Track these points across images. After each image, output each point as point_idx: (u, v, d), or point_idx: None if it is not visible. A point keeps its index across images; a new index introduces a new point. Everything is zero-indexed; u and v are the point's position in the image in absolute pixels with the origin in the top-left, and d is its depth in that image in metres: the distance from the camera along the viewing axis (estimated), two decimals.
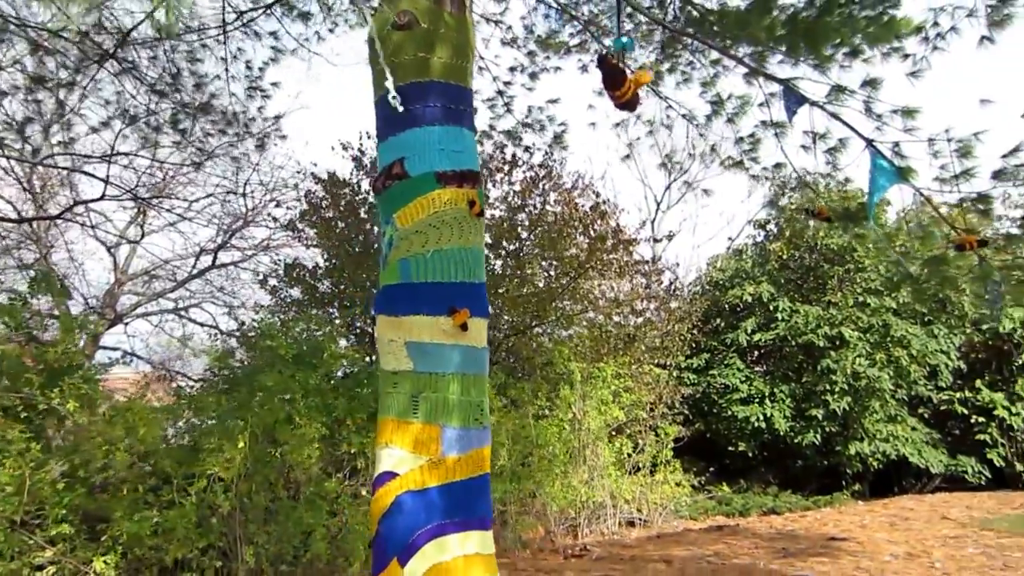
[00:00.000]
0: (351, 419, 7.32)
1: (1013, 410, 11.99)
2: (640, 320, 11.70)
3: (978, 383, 12.37)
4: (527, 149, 10.04)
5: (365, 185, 10.59)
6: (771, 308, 12.43)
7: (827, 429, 11.82)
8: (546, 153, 10.03)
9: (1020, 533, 6.82)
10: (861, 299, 12.07)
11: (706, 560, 6.03)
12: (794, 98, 4.22)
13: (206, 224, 14.40)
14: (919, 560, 5.84)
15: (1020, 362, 12.24)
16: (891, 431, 11.62)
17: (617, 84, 4.09)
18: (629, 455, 9.68)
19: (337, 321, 10.39)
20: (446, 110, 3.89)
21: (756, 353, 13.18)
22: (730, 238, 24.19)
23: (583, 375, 9.36)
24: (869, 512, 9.55)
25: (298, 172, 12.37)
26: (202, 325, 15.52)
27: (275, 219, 13.13)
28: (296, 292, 11.28)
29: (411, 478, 3.66)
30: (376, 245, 10.63)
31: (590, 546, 7.34)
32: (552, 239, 10.12)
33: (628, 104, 4.24)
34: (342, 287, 10.69)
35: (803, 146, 4.89)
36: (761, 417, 11.91)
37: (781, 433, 11.87)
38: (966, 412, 12.30)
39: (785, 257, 13.00)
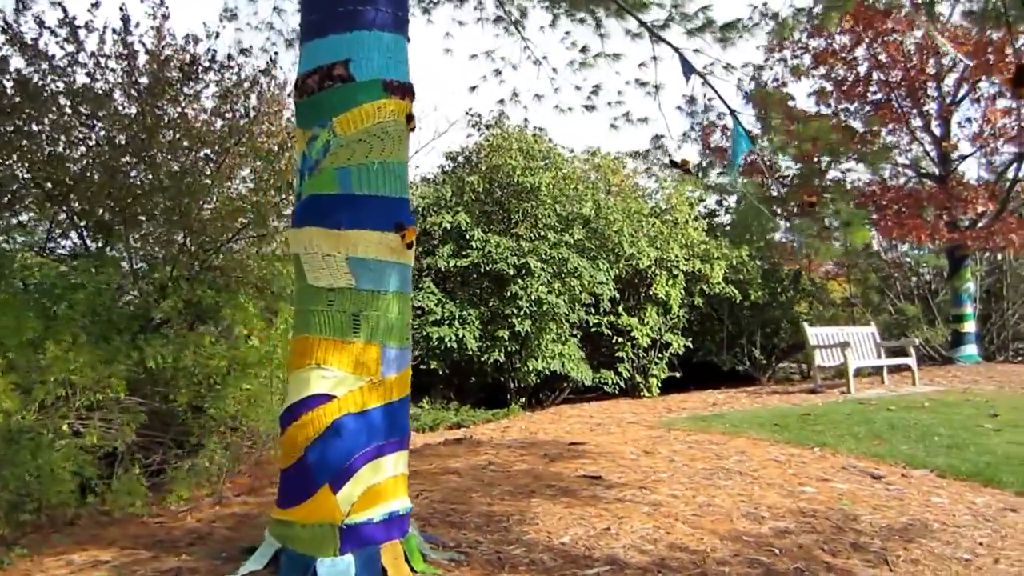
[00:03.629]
0: (51, 342, 6.29)
1: (642, 331, 14.59)
2: None
3: (620, 309, 14.73)
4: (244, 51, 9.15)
5: (18, 63, 8.70)
6: (467, 237, 13.25)
7: (510, 348, 13.14)
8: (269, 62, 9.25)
9: (698, 429, 8.55)
10: (543, 234, 13.47)
11: (489, 469, 6.53)
12: (688, 66, 4.76)
13: None
14: (654, 455, 7.04)
15: (649, 292, 14.83)
16: (560, 350, 13.36)
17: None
18: None
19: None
20: (395, 17, 3.61)
21: (449, 278, 13.94)
22: (416, 165, 24.85)
23: None
24: (557, 420, 10.96)
25: None
26: None
27: None
28: None
29: (351, 400, 3.49)
30: (61, 138, 8.86)
31: None
32: (265, 150, 9.43)
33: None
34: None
35: (679, 107, 5.51)
36: (453, 338, 12.76)
37: (471, 352, 12.89)
38: (610, 333, 14.60)
39: (480, 190, 13.86)
